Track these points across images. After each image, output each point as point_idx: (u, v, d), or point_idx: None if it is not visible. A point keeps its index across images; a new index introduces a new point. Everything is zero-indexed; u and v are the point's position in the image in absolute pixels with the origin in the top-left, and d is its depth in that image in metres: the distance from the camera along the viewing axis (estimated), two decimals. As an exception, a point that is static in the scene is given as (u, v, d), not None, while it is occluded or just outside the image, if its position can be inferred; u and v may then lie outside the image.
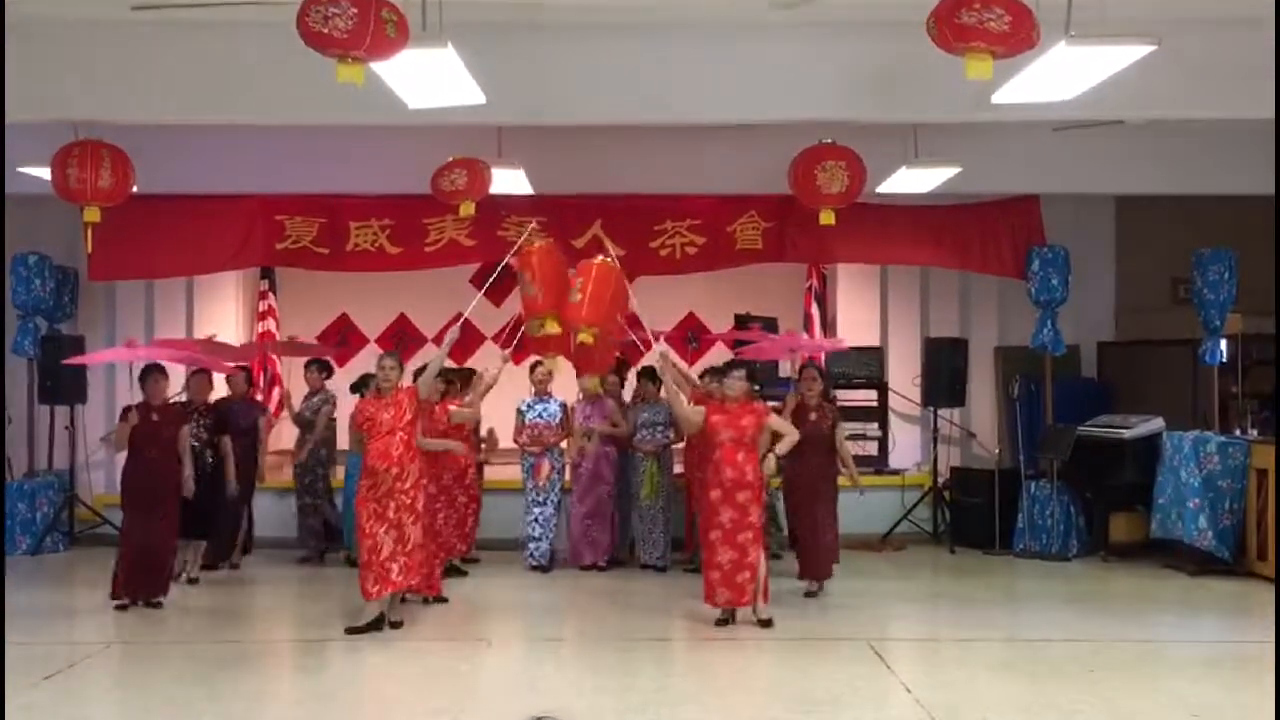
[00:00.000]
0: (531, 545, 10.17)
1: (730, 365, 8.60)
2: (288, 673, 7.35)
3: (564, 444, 10.36)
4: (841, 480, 9.31)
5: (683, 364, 9.42)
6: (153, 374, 8.76)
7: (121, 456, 8.91)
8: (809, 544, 9.03)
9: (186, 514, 8.81)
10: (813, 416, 8.96)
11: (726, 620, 8.13)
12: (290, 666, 7.49)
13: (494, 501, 10.88)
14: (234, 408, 10.15)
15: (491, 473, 11.00)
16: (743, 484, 7.99)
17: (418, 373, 8.49)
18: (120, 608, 8.55)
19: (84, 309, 12.30)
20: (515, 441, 10.27)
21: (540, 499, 10.18)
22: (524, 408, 10.24)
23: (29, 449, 11.78)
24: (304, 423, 10.68)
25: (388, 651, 7.61)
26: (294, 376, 13.06)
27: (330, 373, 11.16)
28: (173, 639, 7.89)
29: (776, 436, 8.17)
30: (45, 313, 11.77)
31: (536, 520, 10.17)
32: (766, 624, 8.06)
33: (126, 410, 8.74)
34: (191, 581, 9.48)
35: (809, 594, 9.04)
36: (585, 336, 8.71)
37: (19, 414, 11.82)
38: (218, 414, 9.72)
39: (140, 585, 8.54)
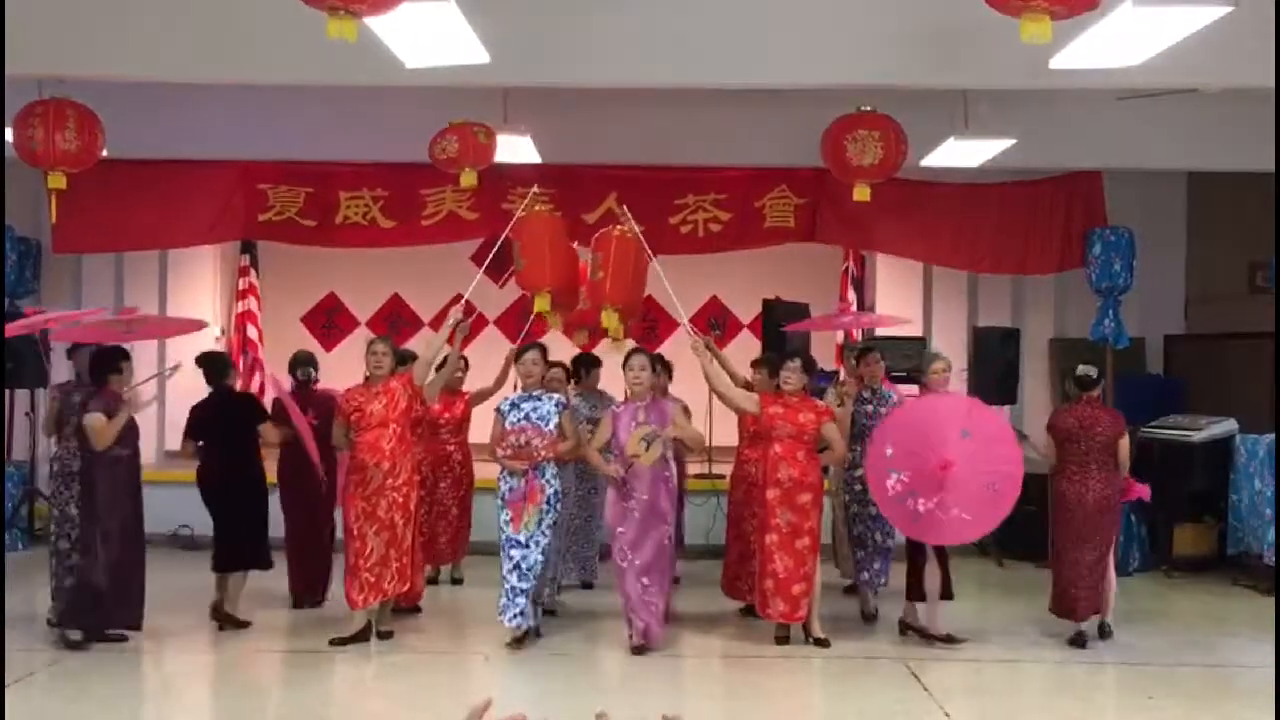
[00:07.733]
0: (504, 603, 7.96)
1: (787, 355, 8.48)
2: (267, 687, 7.41)
3: (603, 457, 8.13)
4: None
5: (720, 355, 9.29)
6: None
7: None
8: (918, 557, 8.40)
9: None
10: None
11: (786, 638, 8.15)
12: (270, 680, 7.55)
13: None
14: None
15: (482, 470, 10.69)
16: (804, 485, 7.98)
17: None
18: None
19: (48, 284, 12.38)
20: (493, 449, 8.21)
21: (522, 538, 7.98)
22: (505, 407, 8.18)
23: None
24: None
25: (375, 665, 7.70)
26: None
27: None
28: (142, 649, 7.96)
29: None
30: (6, 288, 11.80)
31: (518, 567, 7.95)
32: (823, 643, 8.09)
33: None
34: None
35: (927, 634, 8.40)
36: (610, 319, 8.78)
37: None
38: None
39: None
